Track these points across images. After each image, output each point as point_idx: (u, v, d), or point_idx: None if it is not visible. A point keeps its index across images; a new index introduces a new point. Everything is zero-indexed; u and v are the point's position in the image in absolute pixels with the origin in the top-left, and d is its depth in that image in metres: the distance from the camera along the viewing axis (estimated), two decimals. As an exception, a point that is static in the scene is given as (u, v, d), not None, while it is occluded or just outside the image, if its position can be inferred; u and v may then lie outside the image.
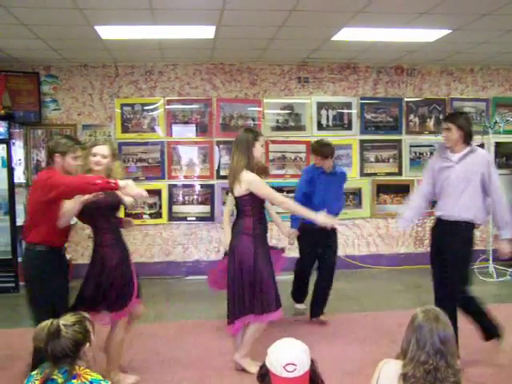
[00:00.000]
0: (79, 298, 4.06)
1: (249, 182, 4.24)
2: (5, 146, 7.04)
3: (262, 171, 5.29)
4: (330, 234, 5.60)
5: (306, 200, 5.36)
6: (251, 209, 4.33)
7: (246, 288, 4.26)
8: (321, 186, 5.62)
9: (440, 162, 4.60)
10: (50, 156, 3.97)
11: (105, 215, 4.03)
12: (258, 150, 4.36)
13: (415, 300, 6.14)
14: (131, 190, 3.70)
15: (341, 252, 8.37)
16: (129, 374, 4.31)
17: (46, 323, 2.53)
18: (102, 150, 4.06)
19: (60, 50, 7.21)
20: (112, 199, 4.04)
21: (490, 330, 4.52)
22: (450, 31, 6.50)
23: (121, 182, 3.65)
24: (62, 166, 3.93)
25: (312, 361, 2.36)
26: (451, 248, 4.44)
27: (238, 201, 4.37)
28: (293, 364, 2.27)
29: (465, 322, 5.41)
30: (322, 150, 5.63)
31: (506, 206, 4.46)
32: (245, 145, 4.33)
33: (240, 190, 4.27)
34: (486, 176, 4.39)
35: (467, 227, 4.45)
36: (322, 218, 4.40)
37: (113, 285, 3.98)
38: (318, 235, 5.46)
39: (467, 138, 4.46)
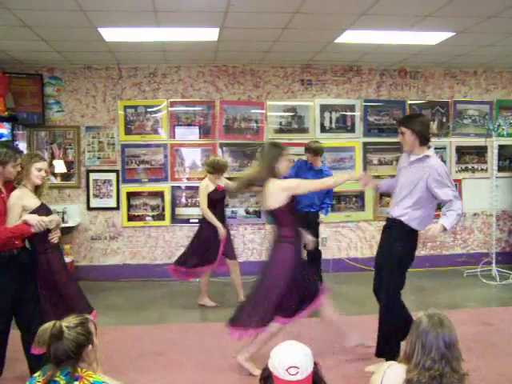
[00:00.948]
0: None
1: (286, 187, 4.38)
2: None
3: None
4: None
5: None
6: (289, 217, 4.41)
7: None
8: (309, 179, 6.00)
9: (402, 161, 4.62)
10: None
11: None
12: (283, 165, 4.46)
13: (418, 303, 6.12)
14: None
15: (343, 254, 8.41)
16: None
17: (49, 325, 2.52)
18: (45, 165, 4.26)
19: (63, 52, 7.22)
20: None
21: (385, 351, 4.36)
22: (454, 34, 6.49)
23: (30, 221, 3.86)
24: (2, 175, 4.04)
25: (315, 363, 2.35)
26: (385, 247, 4.50)
27: (275, 212, 4.42)
28: (295, 367, 2.26)
29: (469, 326, 5.41)
30: (314, 146, 6.78)
31: (455, 212, 4.27)
32: (271, 158, 4.44)
33: (277, 200, 4.34)
34: (430, 186, 4.28)
35: (402, 229, 4.37)
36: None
37: None
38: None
39: (423, 141, 4.37)
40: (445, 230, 4.23)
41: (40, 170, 4.19)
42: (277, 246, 4.45)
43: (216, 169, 6.41)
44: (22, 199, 4.06)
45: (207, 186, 6.41)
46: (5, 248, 3.94)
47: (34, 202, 4.14)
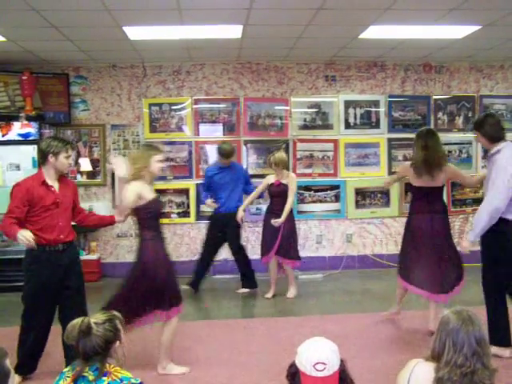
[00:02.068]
0: None
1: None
2: (36, 146, 7.13)
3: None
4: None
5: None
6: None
7: None
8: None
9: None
10: (44, 157, 4.16)
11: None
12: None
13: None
14: None
15: (368, 251, 8.37)
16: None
17: (78, 321, 2.55)
18: (163, 156, 4.54)
19: (89, 51, 7.30)
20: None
21: None
22: (480, 27, 6.42)
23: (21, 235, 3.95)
24: (54, 166, 4.17)
25: (342, 360, 2.35)
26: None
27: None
28: (323, 363, 2.26)
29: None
30: (223, 148, 6.90)
31: (480, 213, 4.44)
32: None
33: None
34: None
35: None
36: None
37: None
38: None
39: (493, 139, 4.57)
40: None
41: (160, 161, 4.36)
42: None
43: (274, 164, 6.62)
44: (140, 190, 4.21)
45: (268, 179, 6.78)
46: (50, 243, 4.12)
47: (149, 194, 4.27)
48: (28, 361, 4.27)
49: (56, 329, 4.20)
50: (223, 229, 6.94)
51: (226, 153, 6.84)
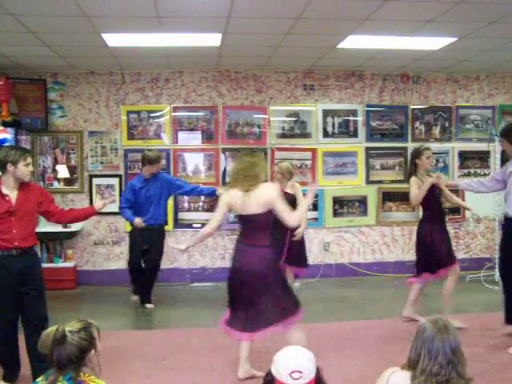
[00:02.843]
0: None
1: None
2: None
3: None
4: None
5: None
6: None
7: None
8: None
9: (510, 166, 5.18)
10: (3, 166, 4.11)
11: None
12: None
13: (421, 308, 6.11)
14: None
15: (346, 259, 8.40)
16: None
17: (52, 329, 2.52)
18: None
19: (67, 58, 7.25)
20: None
21: None
22: (456, 39, 6.50)
23: None
24: (14, 175, 4.12)
25: (317, 368, 2.36)
26: None
27: None
28: (299, 371, 2.27)
29: (472, 331, 5.41)
30: (147, 155, 6.69)
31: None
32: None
33: None
34: None
35: None
36: None
37: None
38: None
39: None
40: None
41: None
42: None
43: (280, 174, 6.63)
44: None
45: None
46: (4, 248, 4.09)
47: None
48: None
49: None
50: (149, 242, 6.77)
51: (151, 159, 6.62)
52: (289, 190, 6.56)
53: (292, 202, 6.41)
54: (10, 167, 4.08)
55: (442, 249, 5.65)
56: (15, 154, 4.11)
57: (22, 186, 4.20)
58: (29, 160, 4.18)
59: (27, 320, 4.17)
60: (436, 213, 5.76)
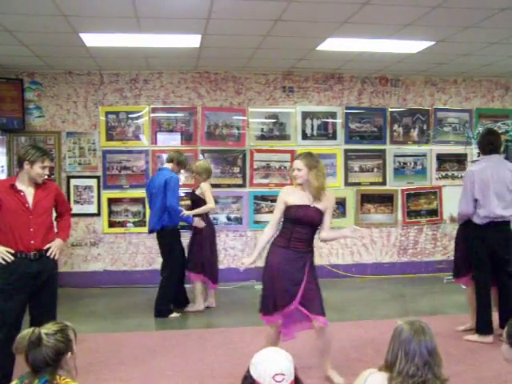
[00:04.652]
0: None
1: None
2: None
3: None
4: None
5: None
6: None
7: None
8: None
9: None
10: (20, 162, 4.16)
11: None
12: None
13: (399, 309, 6.15)
14: None
15: (325, 261, 8.42)
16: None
17: (28, 331, 2.49)
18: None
19: (44, 57, 7.18)
20: None
21: None
22: (434, 43, 6.57)
23: None
24: (28, 173, 4.14)
25: (294, 368, 2.35)
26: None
27: None
28: (282, 374, 2.24)
29: (449, 332, 5.46)
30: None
31: None
32: None
33: None
34: None
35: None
36: None
37: None
38: None
39: (483, 152, 5.34)
40: None
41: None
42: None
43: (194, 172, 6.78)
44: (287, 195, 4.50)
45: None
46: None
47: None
48: None
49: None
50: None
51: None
52: (198, 191, 6.61)
53: (196, 201, 6.57)
54: (26, 165, 4.12)
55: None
56: (34, 154, 4.14)
57: (41, 184, 4.23)
58: (46, 163, 4.19)
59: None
60: None
